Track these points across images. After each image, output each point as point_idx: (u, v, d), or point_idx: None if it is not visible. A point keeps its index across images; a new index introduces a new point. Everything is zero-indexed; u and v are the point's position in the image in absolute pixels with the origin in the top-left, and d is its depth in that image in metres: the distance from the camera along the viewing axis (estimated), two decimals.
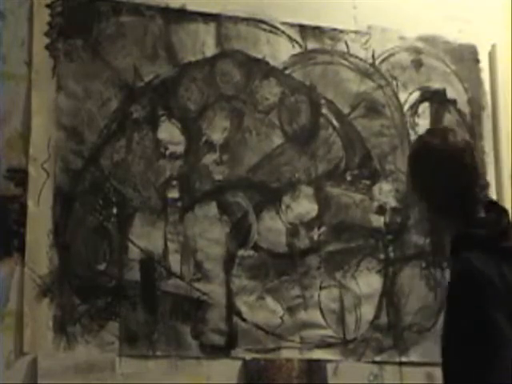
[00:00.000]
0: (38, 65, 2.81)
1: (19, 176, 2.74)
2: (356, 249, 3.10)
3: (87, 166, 2.83)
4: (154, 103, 2.93)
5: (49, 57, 2.83)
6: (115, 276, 2.79)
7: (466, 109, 3.36)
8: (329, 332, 3.00)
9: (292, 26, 3.15)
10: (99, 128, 2.86)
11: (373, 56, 3.25)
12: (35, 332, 2.67)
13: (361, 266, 3.09)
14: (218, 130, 3.00)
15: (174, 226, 2.88)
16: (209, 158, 2.97)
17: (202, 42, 3.03)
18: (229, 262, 2.93)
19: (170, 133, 2.94)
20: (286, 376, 2.90)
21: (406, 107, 3.27)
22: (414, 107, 3.29)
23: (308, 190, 3.07)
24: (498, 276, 2.15)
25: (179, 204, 2.90)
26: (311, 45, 3.17)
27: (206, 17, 3.04)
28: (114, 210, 2.83)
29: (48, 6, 2.86)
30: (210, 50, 3.04)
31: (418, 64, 3.32)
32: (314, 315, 3.00)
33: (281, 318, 2.95)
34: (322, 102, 3.15)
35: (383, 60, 3.27)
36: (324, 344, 2.99)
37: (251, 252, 2.96)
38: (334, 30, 3.21)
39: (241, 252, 2.95)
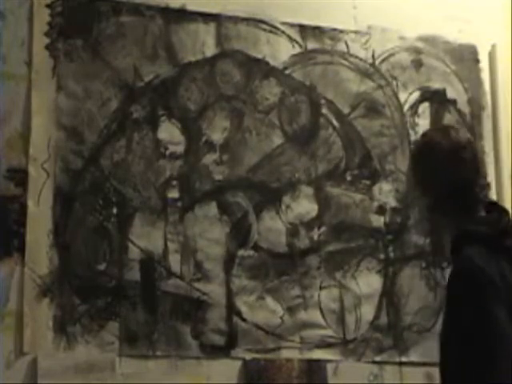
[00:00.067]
0: (37, 65, 2.81)
1: (19, 176, 2.74)
2: (356, 249, 3.10)
3: (87, 166, 2.83)
4: (153, 103, 2.93)
5: (49, 57, 2.83)
6: (115, 276, 2.79)
7: (466, 109, 3.36)
8: (329, 332, 3.00)
9: (292, 25, 3.15)
10: (99, 128, 2.86)
11: (373, 56, 3.26)
12: (35, 332, 2.67)
13: (361, 266, 3.09)
14: (217, 130, 3.00)
15: (174, 226, 2.88)
16: (209, 158, 2.97)
17: (202, 42, 3.03)
18: (229, 261, 2.93)
19: (170, 133, 2.94)
20: (285, 376, 2.90)
21: (406, 107, 3.27)
22: (414, 107, 3.29)
23: (308, 190, 3.07)
24: (498, 275, 2.15)
25: (179, 204, 2.90)
26: (311, 45, 3.17)
27: (206, 17, 3.04)
28: (114, 210, 2.83)
29: (48, 5, 2.86)
30: (210, 50, 3.04)
31: (417, 64, 3.32)
32: (314, 315, 3.00)
33: (281, 318, 2.95)
34: (322, 102, 3.15)
35: (383, 60, 3.27)
36: (324, 344, 2.99)
37: (251, 252, 2.96)
38: (334, 30, 3.21)
39: (241, 252, 2.95)
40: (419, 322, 3.11)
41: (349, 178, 3.14)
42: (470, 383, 2.09)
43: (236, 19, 3.07)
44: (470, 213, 2.28)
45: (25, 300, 2.67)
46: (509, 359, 2.07)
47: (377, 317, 3.07)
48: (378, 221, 3.15)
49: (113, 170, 2.85)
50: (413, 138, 3.24)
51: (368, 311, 3.07)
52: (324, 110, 3.15)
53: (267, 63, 3.10)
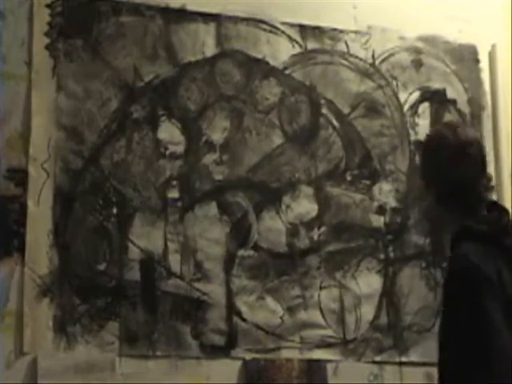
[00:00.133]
0: (37, 65, 2.81)
1: (19, 176, 2.74)
2: (356, 249, 3.10)
3: (87, 166, 2.83)
4: (154, 103, 2.93)
5: (49, 57, 2.83)
6: (115, 276, 2.79)
7: (466, 109, 3.36)
8: (329, 332, 3.00)
9: (292, 25, 3.15)
10: (99, 128, 2.86)
11: (373, 56, 3.26)
12: (35, 332, 2.67)
13: (361, 266, 3.09)
14: (218, 130, 3.00)
15: (174, 226, 2.88)
16: (209, 158, 2.97)
17: (202, 42, 3.03)
18: (229, 261, 2.93)
19: (170, 133, 2.94)
20: (285, 376, 2.90)
21: (406, 107, 3.27)
22: (414, 107, 3.29)
23: (308, 190, 3.07)
24: (495, 273, 2.16)
25: (179, 204, 2.90)
26: (311, 45, 3.17)
27: (206, 17, 3.04)
28: (114, 210, 2.83)
29: (48, 5, 2.86)
30: (210, 50, 3.04)
31: (418, 64, 3.32)
32: (314, 315, 3.00)
33: (281, 318, 2.95)
34: (322, 102, 3.15)
35: (383, 60, 3.27)
36: (324, 344, 2.99)
37: (251, 252, 2.96)
38: (334, 30, 3.21)
39: (241, 252, 2.95)
40: (419, 322, 3.11)
41: (349, 178, 3.14)
42: (466, 382, 2.09)
43: (236, 19, 3.08)
44: (472, 211, 2.28)
45: (25, 300, 2.67)
46: (504, 358, 2.07)
47: (377, 317, 3.07)
48: (378, 221, 3.15)
49: (113, 170, 2.85)
50: (413, 137, 3.25)
51: (368, 311, 3.07)
52: (324, 110, 3.15)
53: (267, 63, 3.10)
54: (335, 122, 3.16)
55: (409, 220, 3.18)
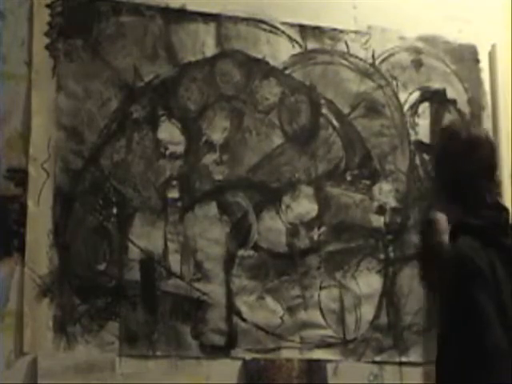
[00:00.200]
0: (37, 65, 2.81)
1: (19, 176, 2.74)
2: (356, 249, 3.10)
3: (87, 166, 2.83)
4: (154, 103, 2.93)
5: (49, 57, 2.83)
6: (115, 276, 2.79)
7: (466, 109, 3.36)
8: (329, 332, 3.00)
9: (292, 25, 3.15)
10: (99, 128, 2.86)
11: (373, 56, 3.26)
12: (35, 332, 2.67)
13: (361, 266, 3.09)
14: (218, 130, 3.00)
15: (174, 226, 2.88)
16: (209, 158, 2.97)
17: (202, 42, 3.03)
18: (229, 261, 2.93)
19: (170, 133, 2.94)
20: (285, 376, 2.90)
21: (406, 107, 3.27)
22: (414, 107, 3.29)
23: (308, 190, 3.07)
24: (489, 268, 2.17)
25: (179, 204, 2.90)
26: (311, 45, 3.17)
27: (206, 17, 3.04)
28: (114, 210, 2.83)
29: (48, 5, 2.86)
30: (210, 50, 3.04)
31: (418, 64, 3.32)
32: (314, 315, 3.00)
33: (281, 318, 2.95)
34: (322, 102, 3.15)
35: (383, 60, 3.27)
36: (324, 344, 2.99)
37: (251, 252, 2.96)
38: (334, 29, 3.21)
39: (241, 252, 2.95)
40: (419, 322, 3.11)
41: (349, 178, 3.14)
42: (464, 381, 2.10)
43: (236, 19, 3.07)
44: (471, 209, 2.29)
45: (25, 300, 2.67)
46: (499, 353, 2.08)
47: (377, 317, 3.07)
48: (378, 221, 3.15)
49: (113, 170, 2.85)
50: (413, 137, 3.25)
51: (368, 311, 3.07)
52: (324, 110, 3.15)
53: (267, 63, 3.10)
54: (335, 122, 3.16)
55: (409, 220, 3.18)
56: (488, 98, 3.41)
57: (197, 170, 2.95)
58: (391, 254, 3.14)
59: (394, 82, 3.27)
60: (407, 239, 3.16)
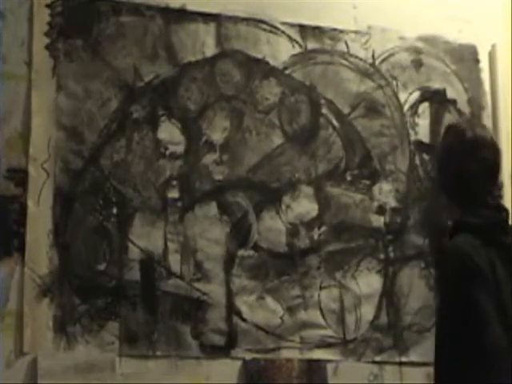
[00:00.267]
0: (38, 65, 2.81)
1: (19, 176, 2.74)
2: (356, 249, 3.10)
3: (87, 166, 2.83)
4: (154, 103, 2.93)
5: (49, 57, 2.83)
6: (115, 276, 2.79)
7: (466, 109, 3.36)
8: (329, 332, 3.00)
9: (292, 25, 3.15)
10: (99, 128, 2.86)
11: (373, 56, 3.26)
12: (35, 332, 2.67)
13: (361, 266, 3.09)
14: (218, 130, 3.00)
15: (174, 225, 2.88)
16: (209, 158, 2.97)
17: (202, 42, 3.03)
18: (229, 261, 2.93)
19: (170, 133, 2.94)
20: (285, 376, 2.90)
21: (406, 107, 3.27)
22: (414, 107, 3.29)
23: (308, 190, 3.07)
24: (488, 266, 2.17)
25: (179, 204, 2.90)
26: (311, 45, 3.17)
27: (206, 17, 3.04)
28: (114, 210, 2.83)
29: (48, 5, 2.86)
30: (210, 50, 3.04)
31: (418, 64, 3.32)
32: (314, 315, 3.00)
33: (281, 318, 2.95)
34: (322, 102, 3.15)
35: (383, 60, 3.27)
36: (324, 344, 2.99)
37: (251, 252, 2.96)
38: (334, 29, 3.21)
39: (241, 252, 2.95)
40: (419, 322, 3.11)
41: (349, 178, 3.14)
42: (463, 380, 2.10)
43: (236, 19, 3.07)
44: (472, 206, 2.29)
45: (25, 300, 2.67)
46: (498, 352, 2.08)
47: (377, 317, 3.07)
48: (378, 221, 3.15)
49: (113, 170, 2.85)
50: (413, 137, 3.25)
51: (368, 311, 3.07)
52: (324, 110, 3.15)
53: (267, 63, 3.10)
54: (335, 122, 3.16)
55: (409, 220, 3.18)
56: (488, 98, 3.41)
57: (197, 170, 2.95)
58: (391, 254, 3.14)
59: (394, 82, 3.27)
60: (407, 239, 3.16)
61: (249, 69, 3.07)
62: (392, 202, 3.18)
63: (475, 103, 3.39)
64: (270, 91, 3.09)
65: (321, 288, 3.02)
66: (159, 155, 2.91)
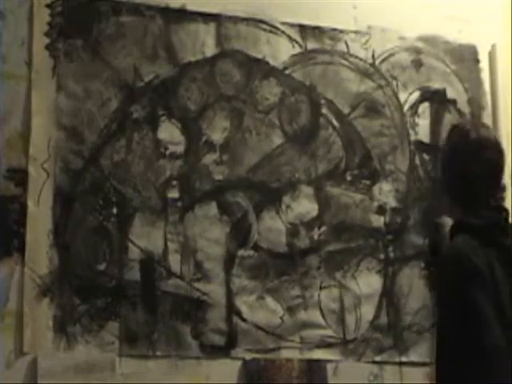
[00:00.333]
0: (38, 65, 2.81)
1: (19, 176, 2.74)
2: (356, 249, 3.10)
3: (87, 166, 2.83)
4: (154, 103, 2.93)
5: (49, 57, 2.83)
6: (115, 276, 2.79)
7: (466, 109, 3.36)
8: (329, 332, 3.00)
9: (292, 25, 3.15)
10: (99, 128, 2.86)
11: (373, 56, 3.26)
12: (35, 332, 2.67)
13: (361, 266, 3.09)
14: (218, 130, 3.00)
15: (174, 225, 2.88)
16: (209, 158, 2.97)
17: (202, 42, 3.03)
18: (229, 262, 2.93)
19: (170, 133, 2.94)
20: (285, 376, 2.90)
21: (406, 107, 3.27)
22: (414, 107, 3.29)
23: (308, 190, 3.07)
24: (486, 266, 2.17)
25: (179, 204, 2.90)
26: (311, 45, 3.17)
27: (206, 17, 3.04)
28: (114, 210, 2.83)
29: (48, 5, 2.86)
30: (210, 50, 3.04)
31: (418, 64, 3.32)
32: (314, 315, 3.00)
33: (281, 318, 2.95)
34: (322, 102, 3.15)
35: (383, 60, 3.27)
36: (324, 344, 2.99)
37: (251, 252, 2.96)
38: (334, 29, 3.21)
39: (241, 252, 2.95)
40: (419, 322, 3.11)
41: (349, 178, 3.14)
42: (458, 372, 2.11)
43: (236, 19, 3.07)
44: (473, 206, 2.30)
45: (25, 300, 2.67)
46: (498, 353, 2.08)
47: (377, 317, 3.07)
48: (378, 221, 3.15)
49: (113, 170, 2.85)
50: (413, 137, 3.25)
51: (368, 311, 3.07)
52: (324, 110, 3.15)
53: (267, 63, 3.10)
54: (335, 122, 3.16)
55: (409, 220, 3.18)
56: (488, 98, 3.41)
57: (197, 170, 2.95)
58: (391, 254, 3.14)
59: (394, 82, 3.27)
60: (407, 239, 3.16)
61: (249, 69, 3.07)
62: (392, 202, 3.18)
63: (475, 103, 3.39)
64: (270, 91, 3.09)
65: (321, 288, 3.02)
66: (159, 155, 2.91)
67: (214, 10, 3.05)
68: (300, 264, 3.01)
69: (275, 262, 2.98)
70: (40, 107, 2.79)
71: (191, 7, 3.02)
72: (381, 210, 3.15)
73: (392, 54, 3.28)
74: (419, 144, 3.25)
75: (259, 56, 3.09)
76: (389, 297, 3.10)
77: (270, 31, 3.12)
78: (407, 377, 3.06)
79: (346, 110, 3.18)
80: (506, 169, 3.30)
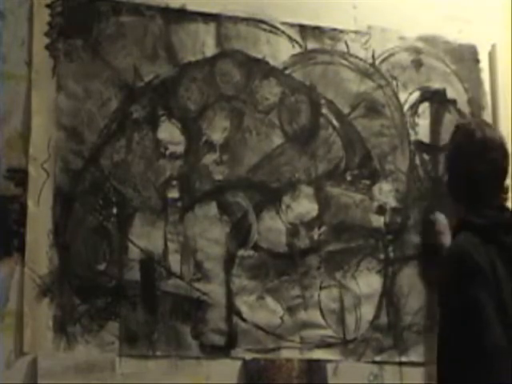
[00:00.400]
0: (37, 65, 2.81)
1: (19, 176, 2.74)
2: (356, 249, 3.10)
3: (87, 166, 2.83)
4: (154, 103, 2.93)
5: (49, 57, 2.83)
6: (115, 276, 2.79)
7: (466, 109, 3.36)
8: (329, 332, 3.00)
9: (292, 25, 3.15)
10: (99, 128, 2.86)
11: (373, 56, 3.26)
12: (35, 332, 2.67)
13: (361, 266, 3.09)
14: (218, 130, 3.00)
15: (174, 225, 2.88)
16: (209, 158, 2.97)
17: (202, 42, 3.03)
18: (229, 261, 2.93)
19: (170, 133, 2.94)
20: (285, 376, 2.90)
21: (406, 107, 3.27)
22: (414, 107, 3.29)
23: (308, 190, 3.07)
24: (488, 264, 2.17)
25: (179, 204, 2.90)
26: (311, 45, 3.17)
27: (206, 17, 3.04)
28: (114, 210, 2.83)
29: (48, 5, 2.86)
30: (210, 50, 3.04)
31: (418, 64, 3.32)
32: (314, 315, 3.00)
33: (281, 318, 2.95)
34: (322, 102, 3.15)
35: (383, 60, 3.27)
36: (324, 344, 2.99)
37: (251, 252, 2.96)
38: (334, 30, 3.21)
39: (241, 252, 2.95)
40: (419, 322, 3.11)
41: (349, 178, 3.14)
42: (459, 371, 2.11)
43: (236, 19, 3.07)
44: (477, 206, 2.30)
45: (25, 300, 2.67)
46: (499, 352, 2.08)
47: (377, 317, 3.07)
48: (378, 221, 3.15)
49: (113, 170, 2.85)
50: (413, 137, 3.25)
51: (368, 311, 3.07)
52: (324, 110, 3.15)
53: (267, 63, 3.10)
54: (335, 122, 3.16)
55: (409, 220, 3.18)
56: (488, 98, 3.41)
57: (197, 170, 2.95)
58: (391, 254, 3.14)
59: (394, 82, 3.27)
60: (407, 239, 3.16)
61: (249, 69, 3.07)
62: (392, 202, 3.18)
63: (475, 103, 3.39)
64: (270, 91, 3.09)
65: (321, 288, 3.02)
66: (159, 155, 2.91)
67: (214, 10, 3.05)
68: (300, 264, 3.01)
69: (275, 262, 2.98)
70: (40, 107, 2.79)
71: (191, 7, 3.02)
72: (381, 210, 3.15)
73: (392, 54, 3.28)
74: (419, 144, 3.25)
75: (259, 56, 3.09)
76: (389, 297, 3.10)
77: (270, 31, 3.12)
78: (407, 377, 3.06)
79: (346, 110, 3.18)
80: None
